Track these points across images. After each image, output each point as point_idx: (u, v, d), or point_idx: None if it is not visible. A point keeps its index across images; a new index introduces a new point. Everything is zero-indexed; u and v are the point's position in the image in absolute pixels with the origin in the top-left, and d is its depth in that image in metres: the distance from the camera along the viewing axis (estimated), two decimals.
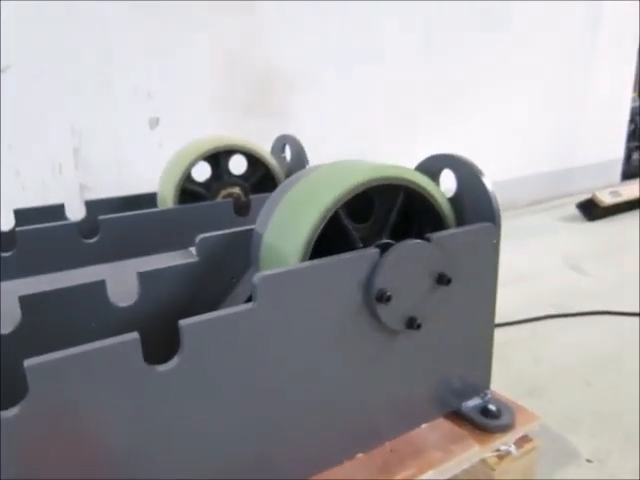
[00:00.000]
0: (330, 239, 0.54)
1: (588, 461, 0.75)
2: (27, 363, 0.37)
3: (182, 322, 0.41)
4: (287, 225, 0.54)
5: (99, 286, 0.53)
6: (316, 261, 0.48)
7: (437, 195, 0.58)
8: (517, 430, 0.60)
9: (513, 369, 0.97)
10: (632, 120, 2.35)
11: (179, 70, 1.24)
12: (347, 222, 0.53)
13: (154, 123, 1.23)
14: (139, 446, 0.42)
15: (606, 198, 1.86)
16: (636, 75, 2.27)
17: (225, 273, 0.60)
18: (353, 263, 0.49)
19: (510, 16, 1.80)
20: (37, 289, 0.51)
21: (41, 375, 0.37)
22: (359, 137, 1.58)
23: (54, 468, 0.39)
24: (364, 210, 0.56)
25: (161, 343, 0.44)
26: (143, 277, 0.55)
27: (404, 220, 0.58)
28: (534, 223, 1.89)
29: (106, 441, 0.41)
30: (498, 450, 0.58)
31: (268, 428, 0.48)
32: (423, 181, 0.56)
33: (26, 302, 0.51)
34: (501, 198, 0.58)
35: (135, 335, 0.40)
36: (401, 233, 0.56)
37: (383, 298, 0.50)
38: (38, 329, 0.52)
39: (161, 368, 0.41)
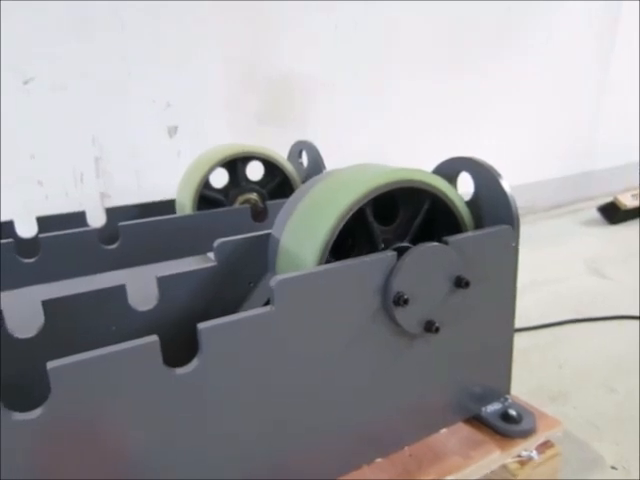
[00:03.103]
0: (354, 237, 0.55)
1: (613, 468, 0.73)
2: (50, 365, 0.37)
3: (201, 325, 0.42)
4: (304, 228, 0.54)
5: (119, 291, 0.54)
6: (333, 264, 0.48)
7: (455, 198, 0.57)
8: (539, 435, 0.59)
9: (536, 374, 0.96)
10: None
11: (196, 79, 1.26)
12: (372, 220, 0.54)
13: (173, 131, 1.24)
14: (158, 448, 0.42)
15: (628, 201, 1.83)
16: None
17: (243, 278, 0.61)
18: (370, 266, 0.49)
19: (526, 18, 1.78)
20: (59, 294, 0.52)
21: (63, 377, 0.37)
22: (375, 143, 1.59)
23: (74, 469, 0.39)
24: (390, 214, 0.56)
25: (180, 346, 0.44)
26: (162, 282, 0.56)
27: (425, 223, 0.58)
28: (555, 227, 1.87)
29: (125, 443, 0.41)
30: (519, 456, 0.58)
31: (286, 431, 0.48)
32: (441, 184, 0.56)
33: (49, 307, 0.52)
34: (521, 202, 0.58)
35: (155, 338, 0.40)
36: (422, 237, 0.56)
37: (400, 301, 0.49)
38: (60, 333, 0.53)
39: (180, 371, 0.42)
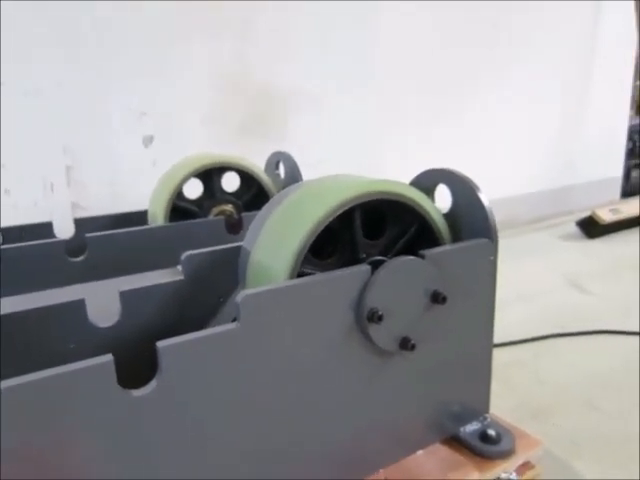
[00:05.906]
0: (336, 243, 0.53)
1: None
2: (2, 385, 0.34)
3: (159, 343, 0.39)
4: (275, 240, 0.52)
5: (78, 305, 0.51)
6: (304, 279, 0.46)
7: (432, 211, 0.56)
8: (518, 456, 0.57)
9: (516, 391, 0.94)
10: (630, 138, 2.34)
11: (174, 88, 1.23)
12: (358, 224, 0.52)
13: (148, 141, 1.22)
14: (114, 477, 0.39)
15: (606, 216, 1.84)
16: (633, 93, 2.27)
17: (212, 292, 0.58)
18: (343, 281, 0.47)
19: (509, 32, 1.80)
20: (14, 309, 0.49)
21: (13, 398, 0.34)
22: (358, 156, 1.57)
23: None
24: (379, 230, 0.55)
25: (144, 366, 0.41)
26: (125, 296, 0.53)
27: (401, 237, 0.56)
28: (534, 241, 1.87)
29: (78, 470, 0.38)
30: (499, 478, 0.55)
31: (253, 456, 0.46)
32: (417, 196, 0.55)
33: (4, 322, 0.49)
34: (500, 216, 0.56)
35: (109, 357, 0.37)
36: (402, 252, 0.54)
37: (374, 317, 0.47)
38: (16, 350, 0.50)
39: (137, 393, 0.39)
